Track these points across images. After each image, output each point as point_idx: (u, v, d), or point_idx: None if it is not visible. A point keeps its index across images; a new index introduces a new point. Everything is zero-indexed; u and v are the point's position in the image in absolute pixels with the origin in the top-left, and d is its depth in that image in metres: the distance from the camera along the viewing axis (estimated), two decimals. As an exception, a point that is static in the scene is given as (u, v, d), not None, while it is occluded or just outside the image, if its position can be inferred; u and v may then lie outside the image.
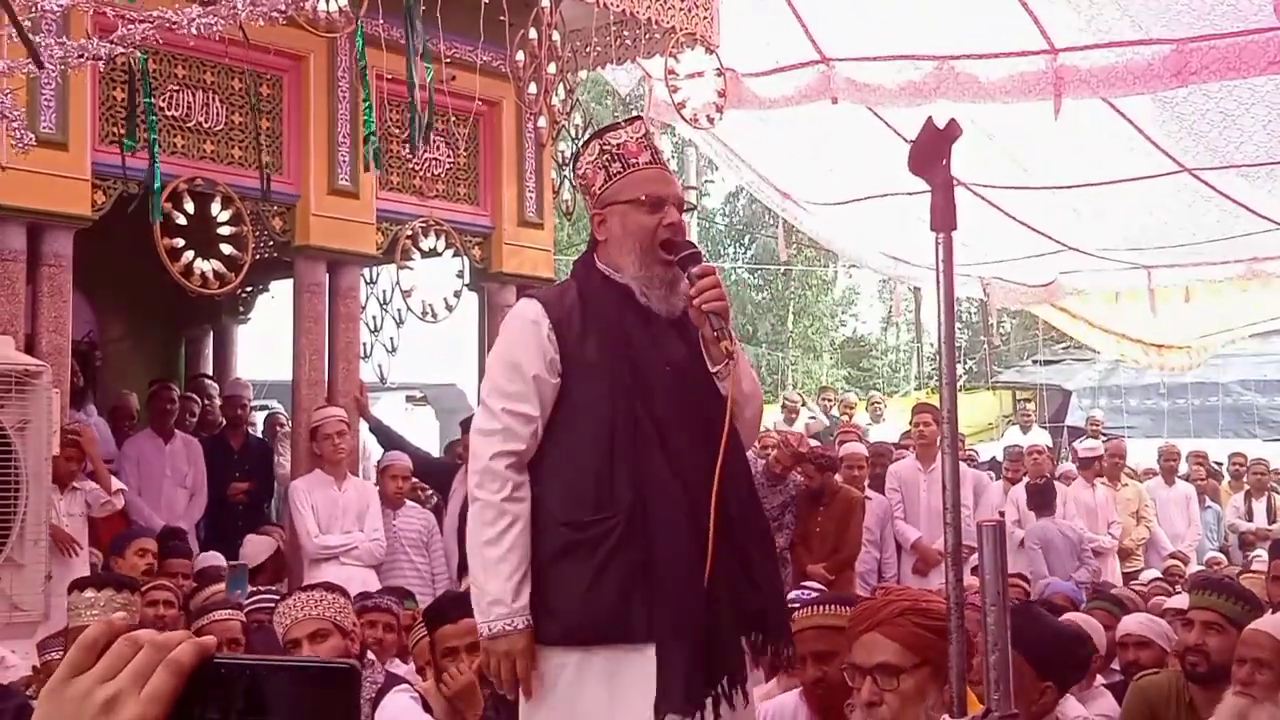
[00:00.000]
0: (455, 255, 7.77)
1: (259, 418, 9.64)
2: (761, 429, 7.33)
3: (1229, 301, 12.25)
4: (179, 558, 6.57)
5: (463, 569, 6.64)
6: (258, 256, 7.22)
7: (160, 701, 0.87)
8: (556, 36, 6.84)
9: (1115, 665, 5.06)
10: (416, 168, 7.58)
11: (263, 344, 10.00)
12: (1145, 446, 13.34)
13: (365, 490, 7.13)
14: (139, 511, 7.28)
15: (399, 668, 4.65)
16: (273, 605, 4.41)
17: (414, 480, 7.61)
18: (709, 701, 2.86)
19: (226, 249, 6.66)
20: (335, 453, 6.94)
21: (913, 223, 9.65)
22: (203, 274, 6.56)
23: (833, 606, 3.60)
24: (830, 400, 15.22)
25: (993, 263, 11.73)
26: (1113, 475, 10.38)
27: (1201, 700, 3.99)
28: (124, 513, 6.94)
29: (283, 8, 4.55)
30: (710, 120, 7.86)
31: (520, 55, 6.84)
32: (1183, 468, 11.73)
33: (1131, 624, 5.04)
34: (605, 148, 3.11)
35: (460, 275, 7.83)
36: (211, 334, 10.40)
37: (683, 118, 7.83)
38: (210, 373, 9.96)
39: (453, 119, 7.27)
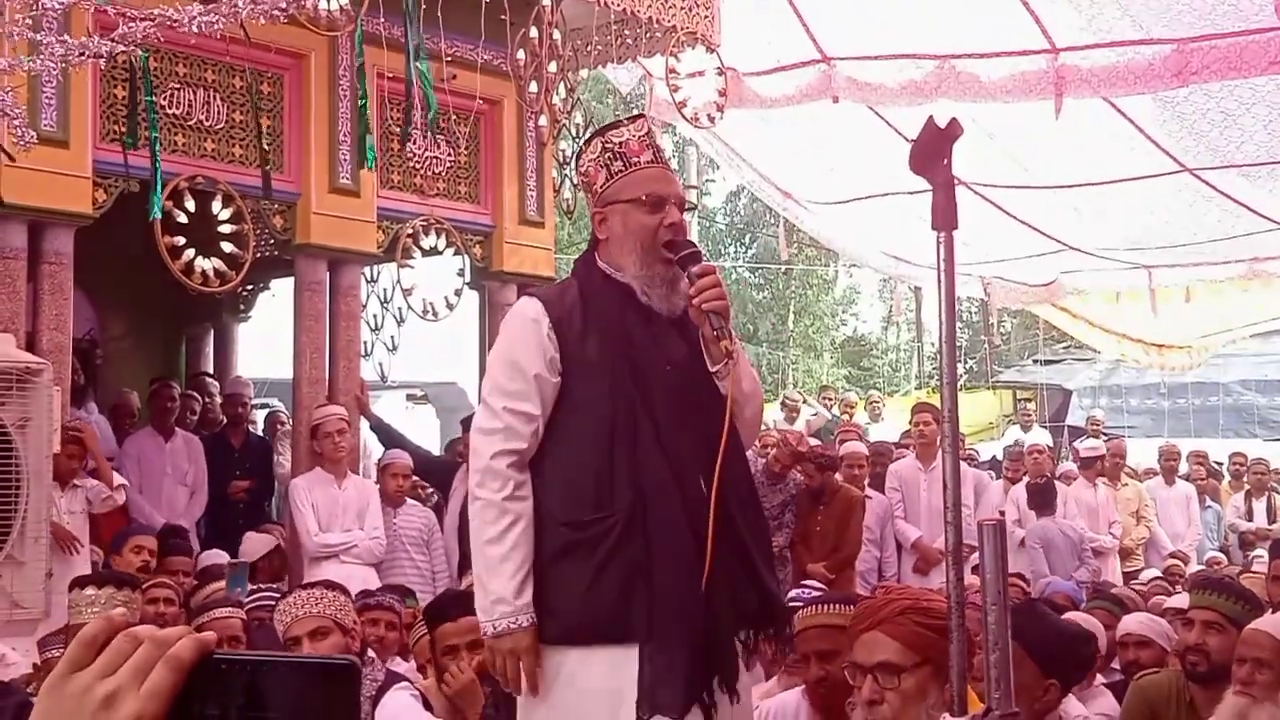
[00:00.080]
0: (456, 254, 7.77)
1: (260, 416, 9.64)
2: (762, 428, 7.33)
3: (1230, 301, 12.25)
4: (179, 556, 6.58)
5: (463, 567, 6.66)
6: (258, 255, 7.22)
7: (160, 697, 0.87)
8: (557, 35, 6.84)
9: (1115, 665, 5.06)
10: (417, 166, 7.58)
11: (263, 342, 10.00)
12: (1146, 446, 13.34)
13: (365, 488, 7.13)
14: (140, 509, 7.29)
15: (400, 666, 4.65)
16: (273, 603, 4.41)
17: (414, 478, 7.61)
18: (694, 702, 2.86)
19: (227, 247, 6.66)
20: (336, 451, 6.94)
21: (914, 222, 9.65)
22: (203, 272, 6.56)
23: (836, 606, 3.60)
24: (830, 399, 15.22)
25: (993, 262, 11.73)
26: (1113, 475, 10.38)
27: (1202, 700, 3.98)
28: (125, 510, 6.95)
29: (284, 6, 4.55)
30: (711, 119, 7.86)
31: (521, 54, 6.84)
32: (1183, 467, 11.73)
33: (1132, 623, 5.04)
34: (607, 146, 3.11)
35: (461, 274, 7.82)
36: (212, 332, 10.40)
37: (684, 117, 7.83)
38: (211, 371, 9.97)
39: (454, 117, 7.27)
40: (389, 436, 7.69)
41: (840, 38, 8.46)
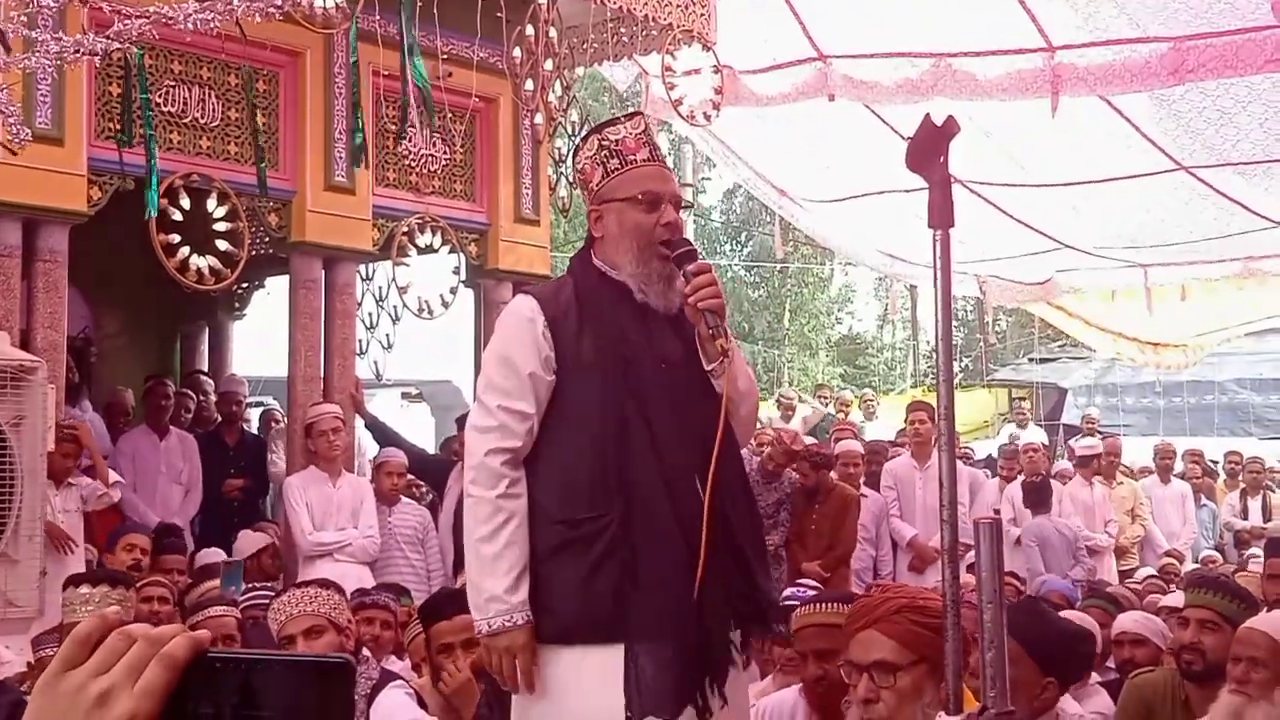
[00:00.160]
0: (451, 252, 7.76)
1: (254, 414, 9.63)
2: (757, 426, 7.33)
3: (1225, 300, 12.26)
4: (174, 554, 6.57)
5: (458, 566, 6.64)
6: (253, 252, 7.21)
7: (154, 695, 0.87)
8: (553, 33, 6.83)
9: (1110, 663, 5.06)
10: (413, 164, 7.58)
11: (258, 340, 9.99)
12: (1141, 444, 13.36)
13: (360, 487, 7.13)
14: (134, 508, 7.28)
15: (394, 664, 4.64)
16: (268, 601, 4.40)
17: (409, 477, 7.61)
18: (688, 703, 2.85)
19: (222, 245, 6.65)
20: (330, 449, 6.93)
21: (910, 220, 9.65)
22: (198, 270, 6.54)
23: (832, 604, 3.60)
24: (826, 398, 15.23)
25: (989, 260, 11.74)
26: (1108, 473, 10.39)
27: (1197, 698, 3.99)
28: (119, 509, 6.94)
29: (279, 3, 4.54)
30: (707, 117, 7.86)
31: (517, 52, 6.83)
32: (1178, 466, 11.74)
33: (1127, 622, 5.05)
34: (604, 143, 3.10)
35: (456, 272, 7.82)
36: (207, 330, 10.38)
37: (680, 115, 7.82)
38: (205, 369, 9.95)
39: (449, 115, 7.26)
40: (384, 435, 7.69)
41: (836, 36, 8.46)
